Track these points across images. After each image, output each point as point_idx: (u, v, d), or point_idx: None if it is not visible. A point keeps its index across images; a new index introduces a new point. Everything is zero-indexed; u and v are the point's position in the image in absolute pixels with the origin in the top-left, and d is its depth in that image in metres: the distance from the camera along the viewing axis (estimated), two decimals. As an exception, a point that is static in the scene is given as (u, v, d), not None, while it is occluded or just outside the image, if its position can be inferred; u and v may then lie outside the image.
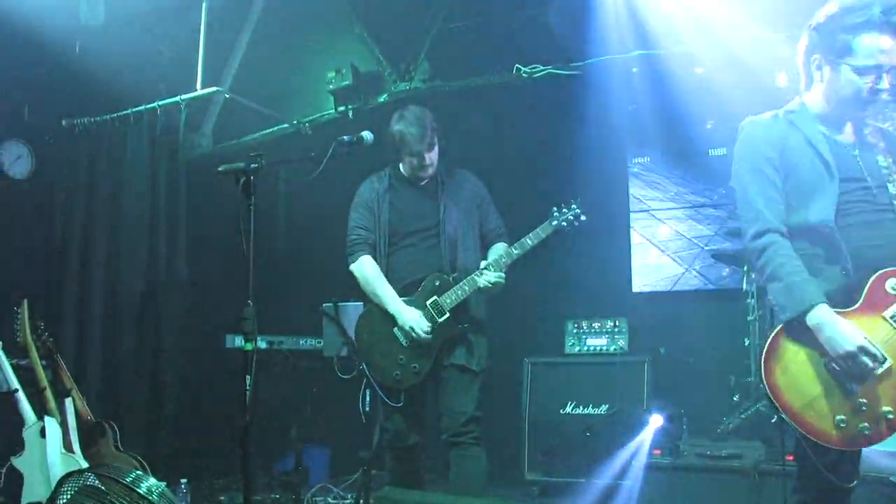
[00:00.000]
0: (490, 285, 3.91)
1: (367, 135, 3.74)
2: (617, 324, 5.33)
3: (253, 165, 3.27)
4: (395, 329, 3.95)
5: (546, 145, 5.95)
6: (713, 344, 5.44)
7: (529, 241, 3.93)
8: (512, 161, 5.95)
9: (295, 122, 6.06)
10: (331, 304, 5.08)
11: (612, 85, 5.29)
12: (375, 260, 4.07)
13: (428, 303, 3.93)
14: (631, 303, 5.82)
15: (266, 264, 5.85)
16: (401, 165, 4.14)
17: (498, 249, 4.10)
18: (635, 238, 5.97)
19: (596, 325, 5.37)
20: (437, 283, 3.94)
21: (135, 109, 6.23)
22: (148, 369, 5.96)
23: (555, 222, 3.97)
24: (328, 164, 3.52)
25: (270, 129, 6.18)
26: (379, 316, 3.99)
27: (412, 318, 3.89)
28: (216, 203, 5.48)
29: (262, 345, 5.30)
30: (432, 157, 4.01)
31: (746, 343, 5.08)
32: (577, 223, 3.99)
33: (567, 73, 5.19)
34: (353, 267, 4.11)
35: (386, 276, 4.03)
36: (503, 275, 3.95)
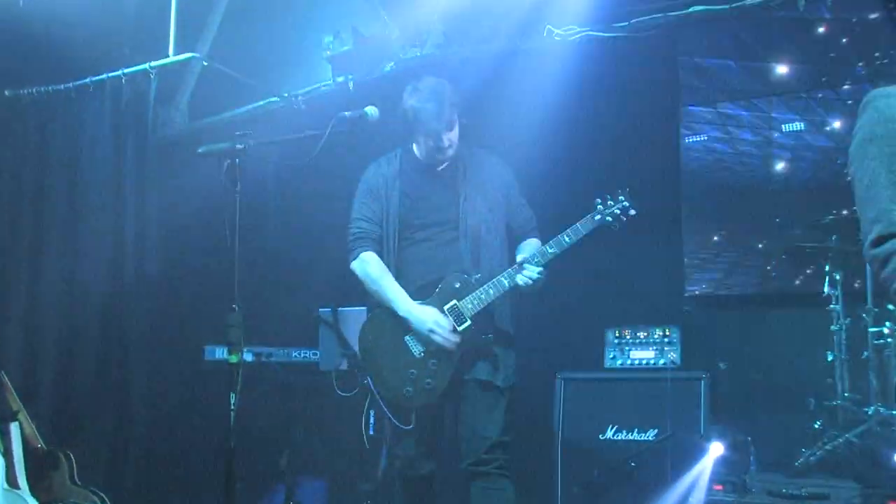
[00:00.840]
0: (531, 283, 3.97)
1: (371, 110, 3.80)
2: (667, 333, 5.34)
3: (239, 146, 3.35)
4: (407, 337, 4.01)
5: (585, 123, 5.97)
6: (787, 358, 5.44)
7: (567, 239, 3.97)
8: (545, 142, 5.95)
9: (286, 94, 6.12)
10: (329, 309, 5.16)
11: (663, 50, 5.31)
12: (382, 258, 4.13)
13: (446, 307, 3.99)
14: (684, 308, 5.84)
15: (253, 262, 5.94)
16: (414, 146, 4.20)
17: (529, 247, 4.16)
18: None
19: (642, 334, 5.39)
20: (457, 286, 4.00)
21: (94, 78, 6.28)
22: (111, 387, 6.02)
23: (598, 216, 4.02)
24: (326, 144, 3.59)
25: (257, 104, 6.26)
26: (386, 322, 4.05)
27: (430, 317, 3.95)
28: (194, 190, 5.55)
29: (249, 357, 5.36)
30: (452, 137, 4.06)
31: (830, 358, 5.03)
32: (625, 218, 4.04)
33: (609, 35, 5.20)
34: (354, 265, 4.17)
35: (395, 276, 4.09)
36: (544, 271, 4.01)
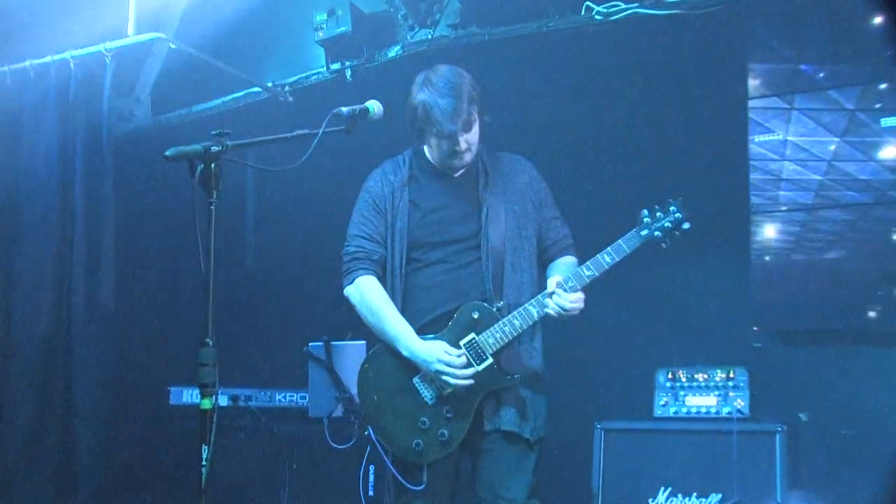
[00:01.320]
0: (564, 313, 3.99)
1: (373, 106, 3.84)
2: (732, 375, 5.33)
3: (214, 148, 3.35)
4: (416, 379, 4.03)
5: (631, 120, 5.98)
6: (885, 409, 5.40)
7: (608, 259, 3.99)
8: (582, 142, 5.99)
9: (270, 84, 6.18)
10: (320, 344, 5.18)
11: (728, 29, 5.34)
12: (384, 283, 4.16)
13: (462, 342, 4.01)
14: (753, 344, 5.82)
15: (230, 287, 6.00)
16: (426, 149, 4.23)
17: (564, 267, 4.18)
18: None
19: (700, 376, 5.39)
20: (476, 316, 4.03)
21: (36, 61, 6.33)
22: (55, 443, 6.03)
23: (645, 231, 4.04)
24: (319, 147, 3.61)
25: (235, 95, 6.33)
26: (391, 359, 4.08)
27: (437, 353, 3.96)
28: (158, 201, 5.63)
29: (224, 401, 5.41)
30: (470, 139, 4.09)
31: (940, 410, 5.03)
32: (677, 233, 4.05)
33: (661, 12, 5.22)
34: (349, 291, 4.20)
35: (401, 306, 4.11)
36: (583, 297, 4.02)
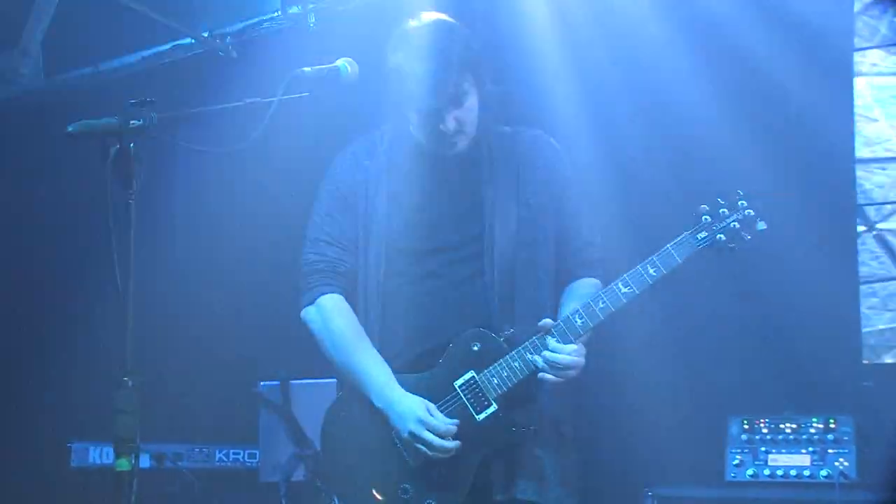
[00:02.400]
0: (559, 369, 3.99)
1: (345, 65, 3.92)
2: (833, 425, 5.34)
3: (135, 122, 3.43)
4: (394, 433, 4.11)
5: (690, 89, 6.01)
6: None
7: (652, 272, 4.03)
8: (622, 116, 6.04)
9: (206, 34, 6.25)
10: (275, 383, 5.25)
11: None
12: (355, 303, 4.27)
13: (457, 384, 4.10)
14: (862, 384, 5.84)
15: (155, 310, 6.04)
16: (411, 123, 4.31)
17: (580, 291, 4.26)
18: (868, 260, 5.98)
19: (789, 427, 5.40)
20: (477, 349, 4.11)
21: None
22: None
23: (703, 234, 4.08)
24: (274, 119, 3.68)
25: (158, 49, 6.42)
26: (365, 406, 4.17)
27: (414, 411, 4.02)
28: (54, 193, 5.69)
29: (145, 462, 5.47)
30: (462, 117, 4.13)
31: None
32: (746, 235, 4.10)
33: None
34: (307, 313, 4.31)
35: (378, 335, 4.21)
36: (581, 350, 4.05)
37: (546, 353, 3.99)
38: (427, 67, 4.01)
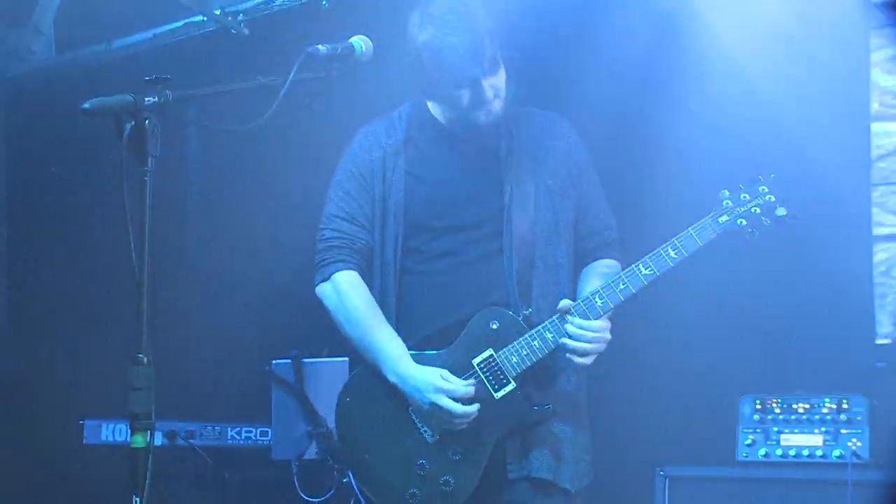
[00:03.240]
0: (584, 347, 4.02)
1: (360, 43, 3.90)
2: (846, 405, 5.32)
3: (149, 99, 3.41)
4: (411, 409, 4.15)
5: (709, 71, 5.99)
6: None
7: (674, 254, 4.05)
8: (638, 98, 6.01)
9: (218, 11, 6.23)
10: (287, 361, 5.27)
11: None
12: (370, 281, 4.28)
13: (476, 361, 4.12)
14: (875, 364, 5.82)
15: (170, 287, 6.06)
16: (430, 103, 4.32)
17: (600, 271, 4.28)
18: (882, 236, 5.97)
19: (801, 406, 5.39)
20: (495, 327, 4.12)
21: None
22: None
23: (724, 217, 4.10)
24: (287, 99, 3.66)
25: (170, 27, 6.42)
26: (379, 383, 4.18)
27: (432, 381, 4.03)
28: (68, 171, 5.67)
29: (158, 440, 5.44)
30: (497, 83, 4.15)
31: None
32: (767, 220, 4.11)
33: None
34: (322, 289, 4.32)
35: (395, 313, 4.24)
36: (606, 326, 4.08)
37: (571, 328, 4.01)
38: (461, 38, 4.00)
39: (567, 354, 4.04)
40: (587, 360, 4.05)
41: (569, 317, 4.03)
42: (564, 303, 4.05)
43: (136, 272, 3.34)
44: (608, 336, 4.07)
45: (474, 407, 4.02)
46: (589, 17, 5.94)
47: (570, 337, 4.02)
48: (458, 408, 3.99)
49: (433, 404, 4.01)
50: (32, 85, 6.69)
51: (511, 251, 4.17)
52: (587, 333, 4.01)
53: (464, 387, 4.02)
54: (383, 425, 4.18)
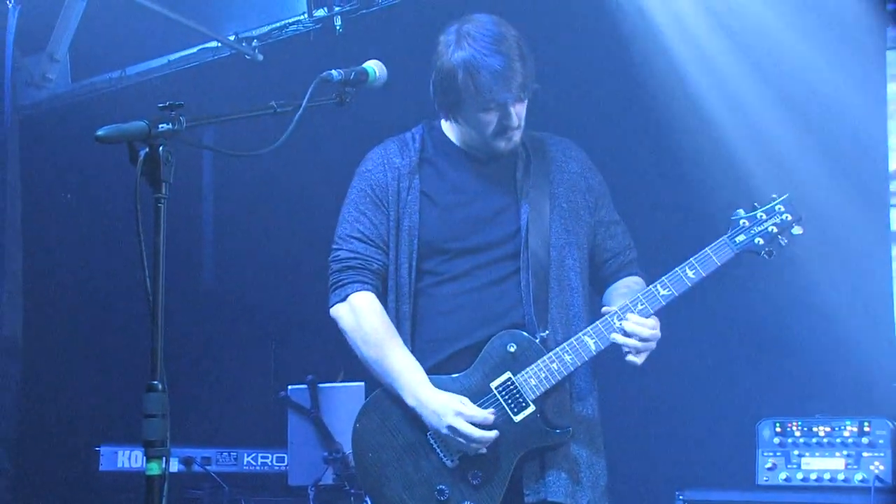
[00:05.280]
0: (640, 342, 4.01)
1: (374, 68, 3.89)
2: (867, 428, 5.30)
3: (164, 126, 3.41)
4: (430, 434, 4.13)
5: (721, 85, 5.97)
6: None
7: (692, 274, 4.05)
8: (651, 120, 6.01)
9: (233, 37, 6.26)
10: (303, 387, 5.25)
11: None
12: (386, 302, 4.26)
13: (494, 385, 4.09)
14: (895, 387, 5.80)
15: (185, 314, 6.06)
16: (445, 124, 4.32)
17: (625, 290, 4.26)
18: None
19: (822, 429, 5.37)
20: (513, 350, 4.10)
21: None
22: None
23: (741, 237, 4.09)
24: (302, 123, 3.64)
25: (185, 53, 6.43)
26: (397, 407, 4.17)
27: (450, 406, 4.02)
28: (83, 197, 5.68)
29: (175, 466, 5.47)
30: (521, 112, 4.15)
31: None
32: (784, 240, 4.10)
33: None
34: (337, 310, 4.29)
35: (410, 336, 4.21)
36: (657, 323, 4.07)
37: (627, 325, 4.01)
38: (499, 60, 4.00)
39: (627, 358, 4.04)
40: (640, 359, 4.05)
41: (627, 313, 4.03)
42: (621, 305, 4.07)
43: (150, 298, 3.34)
44: (659, 334, 4.06)
45: (493, 433, 4.00)
46: (595, 38, 5.94)
47: (627, 332, 4.01)
48: (476, 432, 3.97)
49: (451, 427, 3.99)
50: (48, 112, 6.72)
51: (528, 273, 4.16)
52: (644, 330, 4.01)
53: (482, 414, 4.00)
54: (402, 450, 4.16)
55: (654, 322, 4.05)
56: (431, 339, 4.21)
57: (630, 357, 4.04)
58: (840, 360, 5.76)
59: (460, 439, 3.99)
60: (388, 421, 4.20)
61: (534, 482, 4.11)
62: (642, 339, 4.01)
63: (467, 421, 3.98)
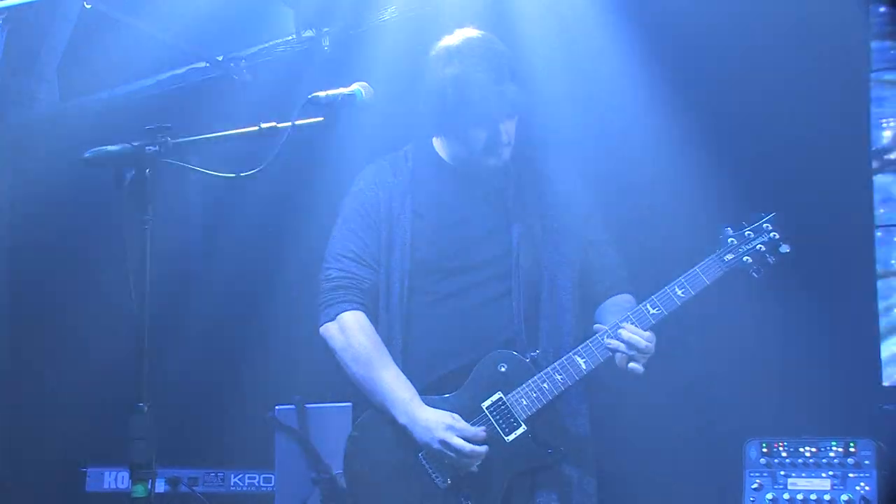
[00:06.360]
0: (637, 353, 4.00)
1: (361, 90, 3.90)
2: (853, 448, 5.30)
3: (151, 148, 3.42)
4: (423, 454, 4.09)
5: (707, 100, 6.01)
6: None
7: (681, 293, 4.05)
8: (639, 135, 6.02)
9: (221, 58, 6.25)
10: (291, 407, 5.23)
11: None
12: (377, 321, 4.23)
13: (485, 405, 4.08)
14: (882, 406, 5.80)
15: (171, 334, 6.03)
16: (437, 142, 4.33)
17: (616, 311, 4.23)
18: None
19: (808, 450, 5.37)
20: (504, 370, 4.09)
21: None
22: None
23: (730, 256, 4.10)
24: (288, 145, 3.64)
25: (173, 73, 6.40)
26: (388, 427, 4.14)
27: (441, 422, 4.01)
28: (69, 217, 5.65)
29: (161, 487, 5.43)
30: (511, 129, 4.17)
31: None
32: (771, 258, 4.11)
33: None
34: (327, 329, 4.27)
35: (401, 355, 4.18)
36: (653, 337, 4.07)
37: (624, 333, 4.01)
38: (488, 77, 4.03)
39: (630, 366, 4.03)
40: (640, 366, 4.05)
41: (623, 324, 4.02)
42: (619, 320, 4.07)
43: (136, 320, 3.33)
44: (653, 349, 4.07)
45: (484, 448, 3.98)
46: (583, 54, 5.93)
47: (624, 340, 4.01)
48: (468, 446, 3.96)
49: (443, 442, 3.97)
50: (37, 131, 6.68)
51: (520, 293, 4.16)
52: (640, 342, 4.01)
53: (473, 429, 4.00)
54: (394, 471, 4.13)
55: (649, 335, 4.05)
56: (423, 358, 4.19)
57: (632, 364, 4.03)
58: (825, 380, 5.70)
59: (451, 454, 3.97)
60: (380, 441, 4.17)
61: (524, 502, 4.09)
62: (639, 349, 4.01)
63: (458, 436, 3.96)
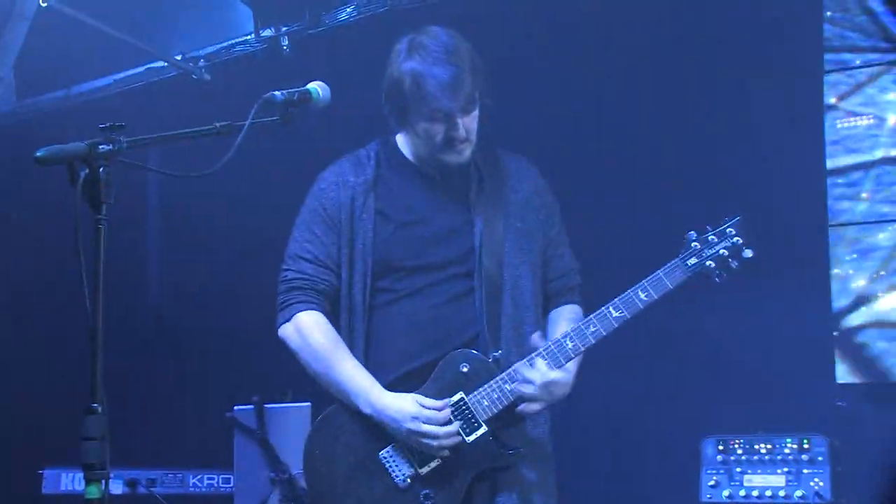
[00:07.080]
0: (542, 394, 3.97)
1: (317, 89, 3.87)
2: (807, 445, 5.33)
3: (105, 147, 3.38)
4: (383, 453, 4.06)
5: (670, 102, 6.03)
6: None
7: (643, 296, 4.02)
8: (602, 138, 6.01)
9: (179, 57, 6.21)
10: (250, 407, 5.20)
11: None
12: (337, 323, 4.21)
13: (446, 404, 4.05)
14: (836, 402, 5.83)
15: (127, 334, 6.00)
16: (400, 139, 4.31)
17: (567, 316, 4.25)
18: (840, 275, 5.97)
19: (763, 447, 5.39)
20: (466, 370, 4.06)
21: None
22: None
23: (693, 260, 4.07)
24: (245, 144, 3.62)
25: (131, 72, 6.36)
26: (348, 426, 4.12)
27: (409, 407, 3.98)
28: (23, 217, 5.62)
29: (118, 488, 5.41)
30: (470, 125, 4.13)
31: None
32: (733, 263, 4.08)
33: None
34: (284, 330, 4.24)
35: (363, 353, 4.16)
36: (570, 373, 4.05)
37: (535, 371, 3.97)
38: (445, 70, 4.00)
39: (520, 407, 4.02)
40: (534, 407, 4.03)
41: (536, 360, 3.98)
42: (535, 340, 4.04)
43: (90, 319, 3.30)
44: (564, 390, 4.06)
45: (455, 426, 3.98)
46: (555, 55, 5.93)
47: (532, 382, 3.97)
48: (437, 429, 3.95)
49: (411, 431, 3.95)
50: (-7, 137, 6.62)
51: (482, 292, 4.14)
52: (537, 382, 3.98)
53: (438, 412, 3.97)
54: (353, 470, 4.10)
55: (558, 375, 4.01)
56: (385, 357, 4.16)
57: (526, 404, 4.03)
58: (780, 377, 5.80)
59: (421, 440, 3.96)
60: (340, 438, 4.14)
61: (484, 501, 4.08)
62: (544, 391, 4.00)
63: (425, 422, 3.95)
